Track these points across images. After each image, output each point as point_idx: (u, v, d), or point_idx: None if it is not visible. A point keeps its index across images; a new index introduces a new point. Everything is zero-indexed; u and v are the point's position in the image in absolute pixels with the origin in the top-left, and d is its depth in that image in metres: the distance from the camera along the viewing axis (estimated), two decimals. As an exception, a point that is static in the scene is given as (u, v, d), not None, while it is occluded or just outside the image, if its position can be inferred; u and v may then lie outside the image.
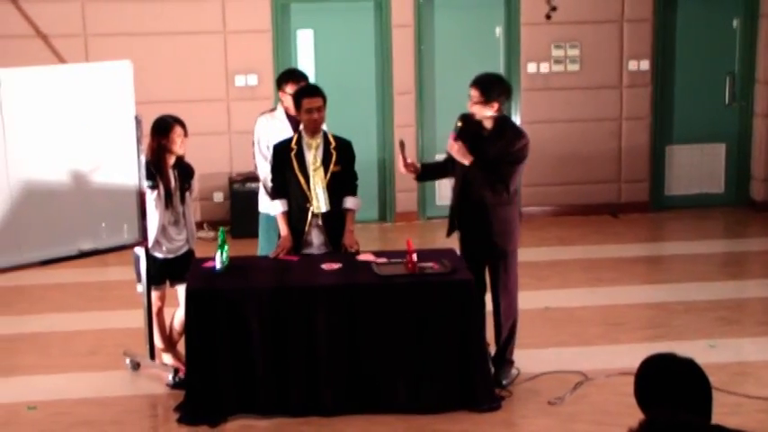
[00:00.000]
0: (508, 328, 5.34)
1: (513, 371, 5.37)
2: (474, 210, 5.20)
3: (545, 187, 9.26)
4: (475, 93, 5.11)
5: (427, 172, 5.57)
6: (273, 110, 6.18)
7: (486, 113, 5.14)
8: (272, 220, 5.73)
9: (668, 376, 2.63)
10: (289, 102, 5.80)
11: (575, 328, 6.27)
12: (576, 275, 7.40)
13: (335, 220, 5.49)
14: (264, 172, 5.89)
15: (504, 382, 5.27)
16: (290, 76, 6.01)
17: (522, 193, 9.61)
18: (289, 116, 5.93)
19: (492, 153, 5.11)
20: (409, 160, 5.36)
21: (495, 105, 5.12)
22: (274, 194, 5.53)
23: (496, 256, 5.25)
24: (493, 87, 5.12)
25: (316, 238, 5.50)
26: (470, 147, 5.14)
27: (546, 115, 9.21)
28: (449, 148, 5.24)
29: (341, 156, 5.47)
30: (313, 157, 5.42)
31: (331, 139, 5.50)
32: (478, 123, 5.18)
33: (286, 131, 5.83)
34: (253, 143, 6.13)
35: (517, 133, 5.22)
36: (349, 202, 5.52)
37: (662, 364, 2.67)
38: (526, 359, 5.47)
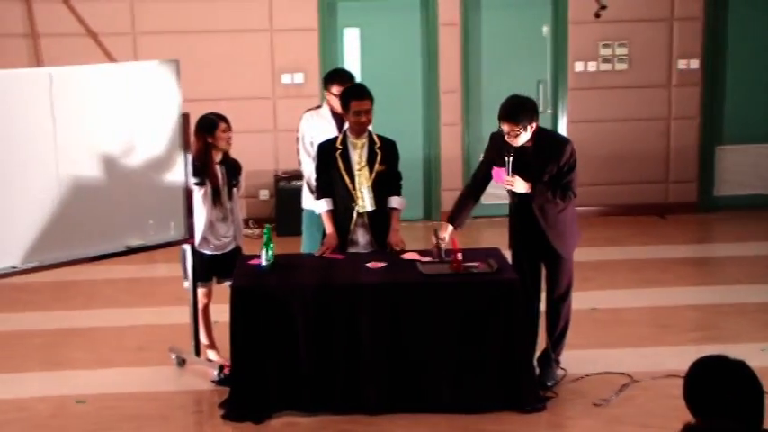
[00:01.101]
0: (560, 330, 5.32)
1: (559, 372, 5.34)
2: (532, 210, 5.16)
3: (592, 187, 9.19)
4: (507, 126, 5.05)
5: (461, 220, 5.41)
6: (319, 107, 6.21)
7: (526, 138, 5.09)
8: (315, 217, 5.75)
9: (719, 378, 2.60)
10: (335, 101, 5.81)
11: (621, 329, 6.22)
12: (624, 276, 7.34)
13: (381, 220, 5.50)
14: (309, 169, 5.92)
15: (550, 383, 5.24)
16: (336, 76, 6.01)
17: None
18: (334, 114, 5.95)
19: (547, 171, 5.09)
20: (443, 244, 5.27)
21: (532, 126, 5.07)
22: (319, 194, 5.55)
23: (553, 258, 5.23)
24: (521, 113, 5.05)
25: (361, 237, 5.52)
26: (520, 171, 5.09)
27: (593, 115, 9.14)
28: (505, 184, 5.15)
29: (386, 155, 5.49)
30: (358, 156, 5.44)
31: (376, 139, 5.51)
32: (521, 148, 5.11)
33: (331, 129, 5.85)
34: (297, 139, 6.16)
35: (560, 142, 5.20)
36: (394, 202, 5.54)
37: (713, 365, 2.64)
38: (572, 360, 5.43)
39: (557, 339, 5.32)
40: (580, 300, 6.45)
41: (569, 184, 5.13)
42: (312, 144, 5.88)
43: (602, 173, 9.20)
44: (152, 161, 5.36)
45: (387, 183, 5.50)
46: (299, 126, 6.14)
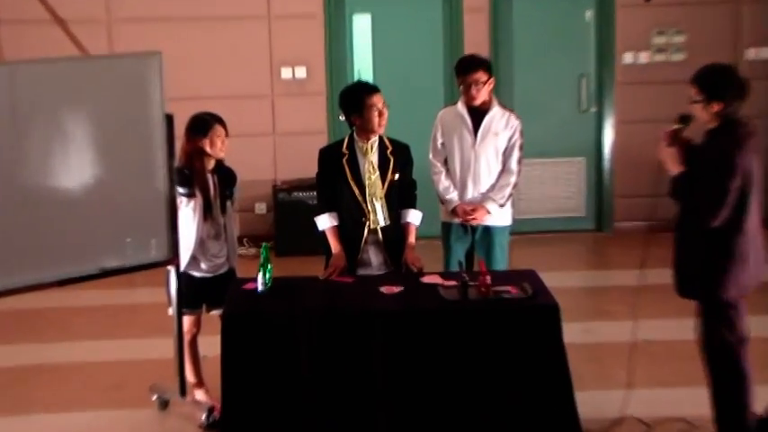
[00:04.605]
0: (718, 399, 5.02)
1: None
2: (685, 231, 4.93)
3: (641, 199, 9.21)
4: (693, 90, 4.89)
5: None
6: (455, 103, 6.33)
7: (706, 115, 4.88)
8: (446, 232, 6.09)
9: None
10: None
11: (677, 364, 6.22)
12: (679, 302, 7.28)
13: (395, 236, 5.57)
14: (437, 179, 6.22)
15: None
16: (457, 64, 6.20)
17: (617, 205, 9.67)
18: (469, 109, 6.14)
19: (704, 163, 4.82)
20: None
21: (718, 106, 4.82)
22: (322, 207, 5.61)
23: (702, 299, 4.97)
24: (715, 82, 4.86)
25: (374, 257, 5.57)
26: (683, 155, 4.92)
27: (645, 114, 9.15)
28: (660, 153, 5.04)
29: (399, 161, 5.57)
30: (369, 163, 5.51)
31: (387, 143, 5.58)
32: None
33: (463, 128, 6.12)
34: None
35: (739, 138, 4.85)
36: (410, 216, 5.60)
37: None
38: (616, 399, 5.44)
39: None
40: (627, 329, 6.45)
41: (718, 196, 4.72)
42: (444, 145, 6.19)
43: (654, 182, 9.16)
44: (130, 170, 5.36)
45: (401, 192, 5.56)
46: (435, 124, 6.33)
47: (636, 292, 6.05)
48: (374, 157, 5.53)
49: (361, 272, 5.55)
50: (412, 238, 5.62)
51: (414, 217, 5.63)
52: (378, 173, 5.50)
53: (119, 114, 5.31)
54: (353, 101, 5.51)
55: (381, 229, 5.53)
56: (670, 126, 4.97)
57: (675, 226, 4.98)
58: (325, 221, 5.58)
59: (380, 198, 5.50)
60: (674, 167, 4.95)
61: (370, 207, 5.49)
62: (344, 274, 5.47)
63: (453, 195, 6.17)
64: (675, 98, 9.14)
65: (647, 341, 6.52)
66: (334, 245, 5.55)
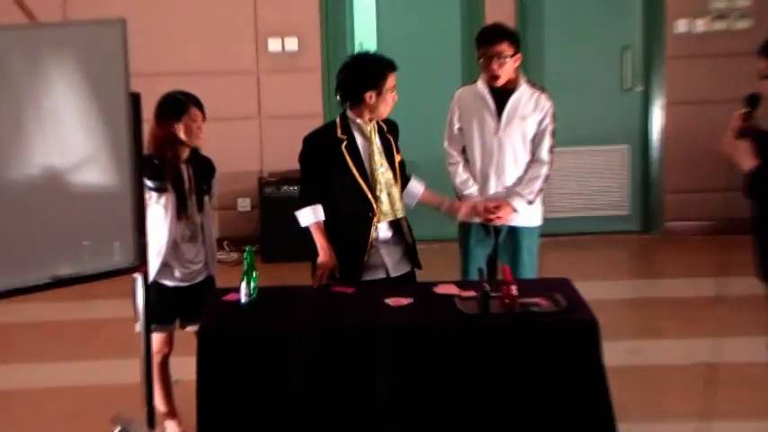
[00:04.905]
0: None
1: None
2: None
3: (699, 195, 9.20)
4: (762, 62, 4.88)
5: None
6: (475, 82, 6.33)
7: None
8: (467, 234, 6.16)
9: None
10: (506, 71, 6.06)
11: (741, 392, 6.23)
12: (744, 318, 7.30)
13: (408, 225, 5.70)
14: (454, 170, 6.25)
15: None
16: (478, 35, 6.24)
17: (668, 201, 9.66)
18: (492, 90, 6.15)
19: None
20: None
21: None
22: (304, 200, 5.59)
23: None
24: None
25: (388, 257, 5.64)
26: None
27: (701, 93, 9.15)
28: (726, 144, 4.97)
29: (396, 140, 5.70)
30: (375, 148, 5.58)
31: (381, 122, 5.67)
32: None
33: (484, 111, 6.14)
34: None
35: None
36: (416, 187, 5.80)
37: None
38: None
39: None
40: (681, 350, 6.46)
41: None
42: (461, 131, 6.21)
43: (713, 175, 9.18)
44: (88, 159, 5.35)
45: (404, 174, 5.73)
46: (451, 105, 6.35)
47: (712, 303, 6.01)
48: (376, 141, 5.59)
49: (370, 277, 5.59)
50: (440, 196, 5.82)
51: (419, 184, 5.81)
52: (385, 157, 5.59)
53: (73, 93, 5.30)
54: (374, 75, 5.52)
55: (393, 222, 5.61)
56: (735, 109, 4.89)
57: (753, 228, 4.96)
58: (308, 216, 5.56)
59: (394, 186, 5.60)
60: (747, 162, 4.85)
61: (381, 198, 5.56)
62: (334, 278, 5.49)
63: (473, 190, 6.16)
64: (739, 74, 9.20)
65: (707, 364, 6.50)
66: (321, 242, 5.54)
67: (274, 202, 8.83)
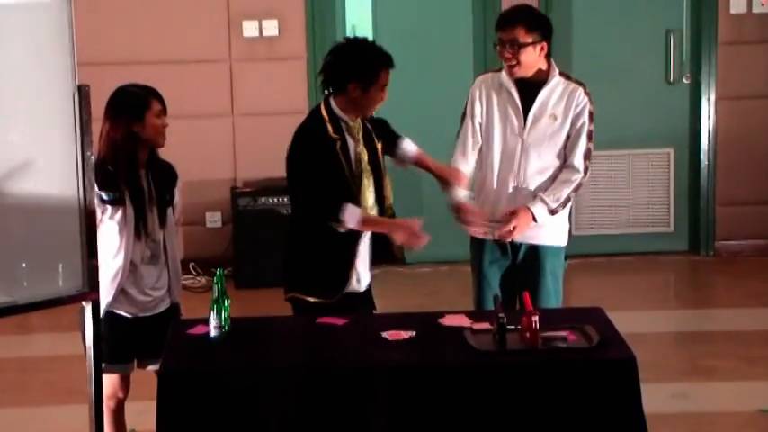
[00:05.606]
0: None
1: None
2: None
3: (755, 207, 9.22)
4: None
5: None
6: (498, 70, 6.30)
7: None
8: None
9: None
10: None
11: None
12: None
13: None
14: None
15: None
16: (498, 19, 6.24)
17: (719, 216, 9.68)
18: (516, 82, 6.12)
19: None
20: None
21: None
22: (339, 201, 5.60)
23: None
24: None
25: (363, 267, 5.80)
26: None
27: (760, 86, 9.17)
28: None
29: (376, 127, 5.86)
30: (360, 144, 5.72)
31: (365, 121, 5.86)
32: None
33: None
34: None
35: None
36: (408, 145, 5.94)
37: None
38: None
39: None
40: (741, 393, 6.46)
41: None
42: (481, 125, 6.17)
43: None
44: (26, 165, 5.35)
45: (384, 138, 5.89)
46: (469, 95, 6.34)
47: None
48: (360, 136, 5.74)
49: (351, 290, 5.74)
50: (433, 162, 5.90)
51: (410, 143, 5.93)
52: (366, 152, 5.74)
53: (7, 85, 5.30)
54: (365, 67, 5.59)
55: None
56: None
57: None
58: (354, 212, 5.59)
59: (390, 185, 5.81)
60: None
61: (368, 198, 5.73)
62: (323, 296, 5.63)
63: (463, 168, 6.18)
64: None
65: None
66: (384, 219, 5.75)
67: (250, 217, 8.83)
